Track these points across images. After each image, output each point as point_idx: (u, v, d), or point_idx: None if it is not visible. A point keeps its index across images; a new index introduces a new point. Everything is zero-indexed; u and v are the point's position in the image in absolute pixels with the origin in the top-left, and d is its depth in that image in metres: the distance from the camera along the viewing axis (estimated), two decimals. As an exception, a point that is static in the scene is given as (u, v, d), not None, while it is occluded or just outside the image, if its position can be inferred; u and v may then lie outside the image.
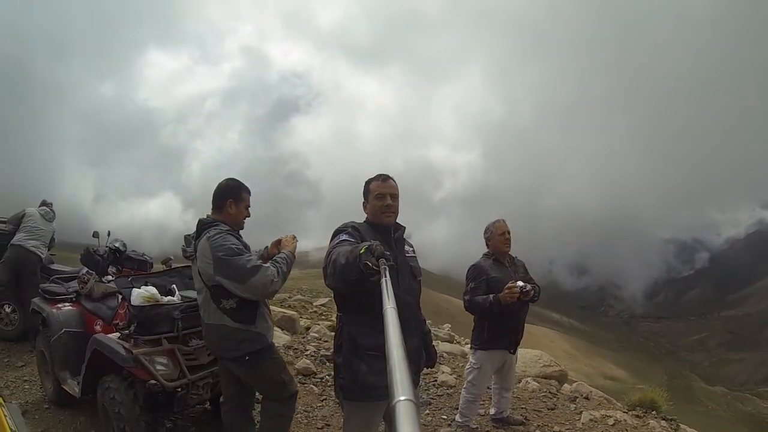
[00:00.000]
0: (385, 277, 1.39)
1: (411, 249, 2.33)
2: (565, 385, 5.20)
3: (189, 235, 2.87)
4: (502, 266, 3.52)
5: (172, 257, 4.45)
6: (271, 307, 3.89)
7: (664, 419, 4.32)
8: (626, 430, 3.96)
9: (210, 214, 2.68)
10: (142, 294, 2.95)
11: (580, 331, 67.38)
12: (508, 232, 3.54)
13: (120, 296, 3.69)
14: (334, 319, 6.83)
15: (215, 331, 2.55)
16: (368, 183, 2.27)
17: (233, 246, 2.42)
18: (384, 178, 2.24)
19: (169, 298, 3.08)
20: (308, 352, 5.40)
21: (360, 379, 2.02)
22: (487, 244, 3.62)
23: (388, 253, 1.93)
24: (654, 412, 4.44)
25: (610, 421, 4.06)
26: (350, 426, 2.17)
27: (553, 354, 7.07)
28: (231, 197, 2.65)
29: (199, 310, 2.67)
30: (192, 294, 2.96)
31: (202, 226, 2.59)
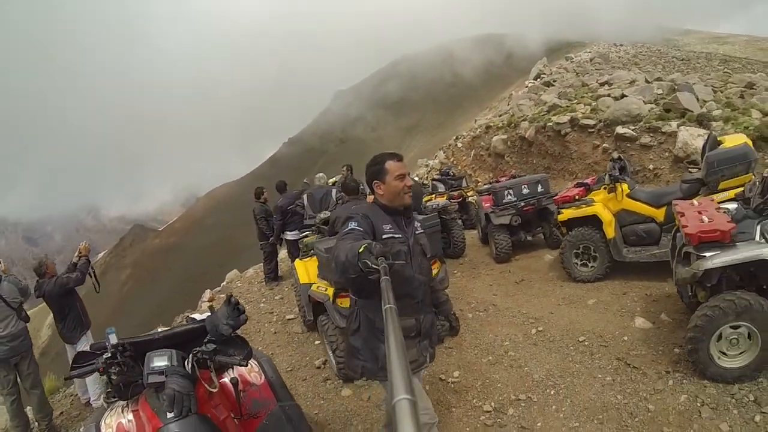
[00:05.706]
0: (385, 276, 1.40)
1: (419, 225, 2.33)
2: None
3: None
4: None
5: None
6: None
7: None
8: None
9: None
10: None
11: None
12: None
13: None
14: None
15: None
16: (381, 162, 2.14)
17: None
18: (399, 158, 2.17)
19: None
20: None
21: (381, 360, 2.10)
22: None
23: (399, 242, 2.07)
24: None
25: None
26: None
27: None
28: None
29: None
30: None
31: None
